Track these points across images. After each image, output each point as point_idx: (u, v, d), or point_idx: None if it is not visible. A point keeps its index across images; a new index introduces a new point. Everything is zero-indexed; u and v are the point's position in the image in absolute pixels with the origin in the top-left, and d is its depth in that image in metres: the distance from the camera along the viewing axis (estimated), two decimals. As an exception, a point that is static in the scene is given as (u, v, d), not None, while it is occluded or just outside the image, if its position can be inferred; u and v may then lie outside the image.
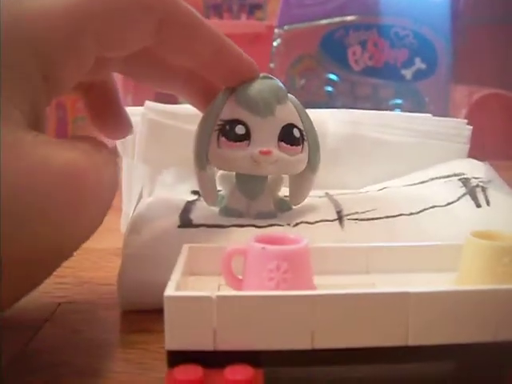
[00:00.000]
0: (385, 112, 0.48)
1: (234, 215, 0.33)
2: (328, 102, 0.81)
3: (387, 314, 0.21)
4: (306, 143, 0.33)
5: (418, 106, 0.80)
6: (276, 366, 0.21)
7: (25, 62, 0.24)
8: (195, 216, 0.33)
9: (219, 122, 0.32)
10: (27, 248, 0.23)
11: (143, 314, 0.30)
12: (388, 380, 0.22)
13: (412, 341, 0.21)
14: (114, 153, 0.29)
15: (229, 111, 0.32)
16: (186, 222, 0.33)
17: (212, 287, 0.26)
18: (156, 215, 0.33)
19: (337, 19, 0.81)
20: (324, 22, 0.81)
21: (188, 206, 0.34)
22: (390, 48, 0.81)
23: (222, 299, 0.21)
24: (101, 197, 0.26)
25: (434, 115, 0.47)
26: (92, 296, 0.34)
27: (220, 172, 0.34)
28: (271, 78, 0.32)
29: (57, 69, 0.25)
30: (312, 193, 0.36)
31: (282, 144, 0.32)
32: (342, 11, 0.81)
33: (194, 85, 0.34)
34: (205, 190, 0.33)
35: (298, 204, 0.35)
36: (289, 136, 0.32)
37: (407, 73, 0.81)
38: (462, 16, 0.78)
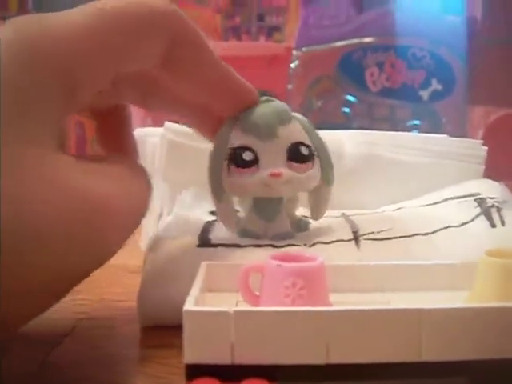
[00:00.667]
0: (401, 133, 0.49)
1: (252, 237, 0.34)
2: (345, 123, 0.82)
3: (401, 330, 0.21)
4: (316, 159, 0.33)
5: (435, 127, 0.80)
6: (291, 381, 0.21)
7: (49, 82, 0.24)
8: (214, 236, 0.34)
9: (228, 151, 0.32)
10: (51, 272, 0.23)
11: (161, 330, 0.30)
12: (401, 395, 0.22)
13: (425, 357, 0.22)
14: (149, 178, 0.29)
15: (235, 139, 0.32)
16: (204, 241, 0.33)
17: (230, 303, 0.27)
18: (176, 234, 0.34)
19: (354, 41, 0.82)
20: (342, 43, 0.82)
21: (207, 227, 0.35)
22: (407, 69, 0.81)
23: (240, 314, 0.21)
24: (130, 225, 0.27)
25: (452, 136, 0.47)
26: (111, 312, 0.34)
27: None
28: (273, 101, 0.33)
29: (77, 86, 0.25)
30: (329, 213, 0.37)
31: (292, 163, 0.32)
32: (359, 33, 0.82)
33: (201, 115, 0.34)
34: (224, 219, 0.34)
35: (319, 218, 0.35)
36: (297, 154, 0.32)
37: (424, 94, 0.81)
38: (478, 36, 0.78)
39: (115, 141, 0.34)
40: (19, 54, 0.23)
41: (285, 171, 0.32)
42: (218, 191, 0.33)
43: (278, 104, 0.33)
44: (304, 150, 0.33)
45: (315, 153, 0.33)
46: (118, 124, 0.34)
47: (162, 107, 0.35)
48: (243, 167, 0.32)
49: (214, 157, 0.33)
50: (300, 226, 0.35)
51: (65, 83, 0.24)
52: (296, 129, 0.33)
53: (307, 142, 0.33)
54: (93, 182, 0.24)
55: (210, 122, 0.34)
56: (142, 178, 0.29)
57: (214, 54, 0.30)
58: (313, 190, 0.34)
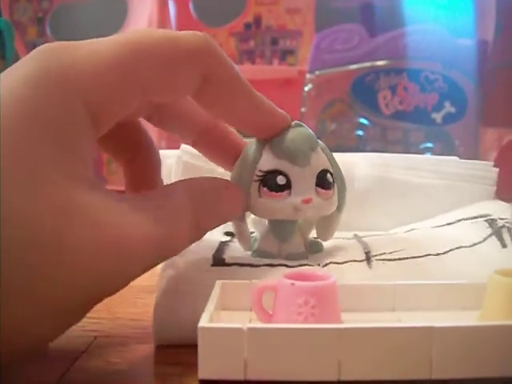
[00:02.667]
0: (412, 155, 0.49)
1: (266, 257, 0.34)
2: (359, 146, 0.82)
3: (412, 348, 0.22)
4: (335, 185, 0.34)
5: (448, 150, 0.80)
6: (303, 397, 0.22)
7: (81, 113, 0.24)
8: (228, 256, 0.34)
9: (259, 173, 0.33)
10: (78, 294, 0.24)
11: (176, 348, 0.31)
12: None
13: (435, 374, 0.22)
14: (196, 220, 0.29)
15: (267, 162, 0.33)
16: (218, 261, 0.34)
17: (243, 321, 0.27)
18: (190, 254, 0.34)
19: (367, 64, 0.83)
20: (354, 66, 0.83)
21: (221, 247, 0.35)
22: (420, 92, 0.82)
23: (253, 331, 0.22)
24: (155, 262, 0.27)
25: (465, 158, 0.48)
26: (126, 331, 0.34)
27: (252, 216, 0.35)
28: (302, 126, 0.33)
29: (101, 117, 0.25)
30: (341, 234, 0.37)
31: (319, 189, 0.33)
32: (372, 56, 0.83)
33: (215, 141, 0.35)
34: (243, 238, 0.35)
35: (328, 240, 0.36)
36: (324, 181, 0.33)
37: (437, 116, 0.82)
38: (490, 59, 0.79)
39: (145, 185, 0.34)
40: (53, 91, 0.24)
41: (314, 197, 0.33)
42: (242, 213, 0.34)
43: (307, 130, 0.34)
44: (329, 178, 0.33)
45: (336, 180, 0.34)
46: (147, 173, 0.34)
47: (178, 130, 0.35)
48: (276, 191, 0.33)
49: (241, 176, 0.33)
50: (313, 247, 0.36)
51: (90, 114, 0.25)
52: (322, 156, 0.34)
53: (330, 168, 0.34)
54: (120, 221, 0.24)
55: (222, 149, 0.35)
56: (187, 221, 0.28)
57: (246, 84, 0.30)
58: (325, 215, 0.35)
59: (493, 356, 0.22)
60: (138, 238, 0.24)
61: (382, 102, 0.83)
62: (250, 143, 0.34)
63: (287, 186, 0.33)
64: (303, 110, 0.84)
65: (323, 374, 0.22)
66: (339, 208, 0.35)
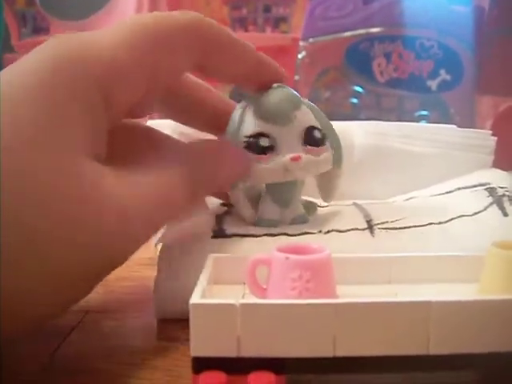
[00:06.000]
0: (410, 123, 0.49)
1: (270, 225, 0.34)
2: (353, 114, 0.81)
3: (409, 323, 0.21)
4: (327, 142, 0.34)
5: (443, 118, 0.80)
6: (298, 373, 0.21)
7: (88, 95, 0.25)
8: (228, 226, 0.34)
9: (244, 139, 0.33)
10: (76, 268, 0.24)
11: (170, 323, 0.30)
12: (409, 388, 0.22)
13: (433, 350, 0.21)
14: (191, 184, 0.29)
15: (250, 126, 0.33)
16: (218, 232, 0.33)
17: (236, 296, 0.27)
18: (189, 227, 0.34)
19: (361, 31, 0.82)
20: (349, 34, 0.82)
21: (219, 218, 0.35)
22: (415, 59, 0.81)
23: (246, 307, 0.21)
24: (153, 230, 0.28)
25: (460, 126, 0.47)
26: (119, 305, 0.34)
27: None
28: (284, 87, 0.33)
29: (114, 100, 0.26)
30: (339, 202, 0.37)
31: (307, 147, 0.33)
32: (366, 23, 0.81)
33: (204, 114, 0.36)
34: (242, 207, 0.34)
35: (330, 201, 0.36)
36: (312, 138, 0.33)
37: (432, 84, 0.81)
38: (486, 26, 0.78)
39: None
40: (60, 68, 0.24)
41: (303, 155, 0.32)
42: None
43: (289, 90, 0.33)
44: (317, 134, 0.33)
45: (326, 135, 0.34)
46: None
47: (175, 110, 0.36)
48: (261, 154, 0.32)
49: (233, 137, 0.33)
50: (309, 208, 0.36)
51: (103, 96, 0.26)
52: (307, 113, 0.33)
53: (318, 125, 0.33)
54: (122, 192, 0.25)
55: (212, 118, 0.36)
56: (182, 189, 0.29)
57: (242, 43, 0.31)
58: (324, 174, 0.35)
59: (491, 331, 0.22)
60: (133, 206, 0.25)
61: (377, 70, 0.82)
62: (235, 109, 0.34)
63: (272, 147, 0.32)
64: (297, 77, 0.83)
65: (318, 350, 0.21)
66: (337, 164, 0.35)
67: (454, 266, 0.29)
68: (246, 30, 0.92)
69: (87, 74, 0.25)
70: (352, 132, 0.45)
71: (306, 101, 0.34)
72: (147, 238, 0.28)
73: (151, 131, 0.35)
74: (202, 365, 0.21)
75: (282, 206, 0.34)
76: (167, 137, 0.35)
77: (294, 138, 0.33)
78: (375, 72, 0.82)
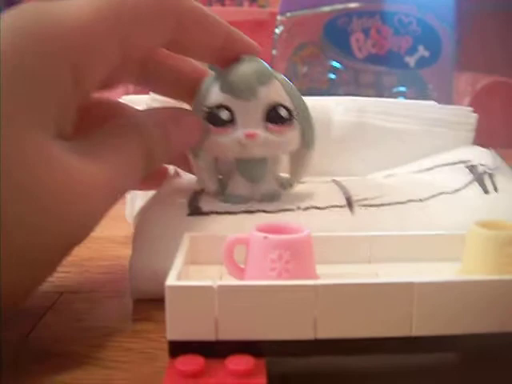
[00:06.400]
0: (390, 100, 0.48)
1: (239, 201, 0.33)
2: (331, 90, 0.81)
3: (390, 305, 0.21)
4: (296, 122, 0.33)
5: (421, 94, 0.80)
6: (278, 356, 0.21)
7: (56, 68, 0.24)
8: (204, 204, 0.33)
9: (205, 109, 0.32)
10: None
11: (146, 304, 0.30)
12: (391, 371, 0.22)
13: (416, 331, 0.21)
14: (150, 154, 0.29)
15: (213, 97, 0.32)
16: (195, 210, 0.33)
17: (214, 276, 0.26)
18: (164, 205, 0.33)
19: (340, 6, 0.81)
20: (327, 8, 0.81)
21: (195, 195, 0.34)
22: (394, 35, 0.80)
23: (224, 289, 0.21)
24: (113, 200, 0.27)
25: (438, 103, 0.47)
26: (94, 285, 0.34)
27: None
28: (254, 60, 0.32)
29: (86, 72, 0.26)
30: (318, 179, 0.37)
31: (269, 125, 0.32)
32: (345, -2, 0.81)
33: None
34: (203, 178, 0.34)
35: (298, 181, 0.35)
36: (275, 116, 0.32)
37: (411, 60, 0.80)
38: (466, 3, 0.78)
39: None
40: (28, 40, 0.24)
41: (261, 132, 0.32)
42: (194, 147, 0.33)
43: (259, 64, 0.32)
44: (283, 112, 0.32)
45: (296, 115, 0.33)
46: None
47: (151, 81, 0.35)
48: (220, 126, 0.32)
49: (194, 112, 0.33)
50: (283, 183, 0.35)
51: (73, 70, 0.25)
52: (276, 90, 0.32)
53: (287, 103, 0.32)
54: (82, 166, 0.25)
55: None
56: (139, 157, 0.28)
57: (213, 17, 0.30)
58: (294, 153, 0.34)
59: (474, 312, 0.21)
60: (90, 179, 0.25)
61: (355, 45, 0.81)
62: (205, 79, 0.33)
63: (231, 121, 0.32)
64: (274, 52, 0.82)
65: (299, 333, 0.21)
66: (307, 145, 0.34)
67: (434, 244, 0.28)
68: (223, 5, 0.91)
69: (57, 50, 0.24)
70: (330, 108, 0.45)
71: (281, 76, 0.33)
72: (106, 211, 0.27)
73: (123, 107, 0.34)
74: (178, 349, 0.21)
75: (252, 181, 0.33)
76: (134, 109, 0.34)
77: (256, 113, 0.32)
78: (353, 47, 0.81)
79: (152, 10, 0.28)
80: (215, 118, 0.32)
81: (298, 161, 0.34)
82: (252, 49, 0.33)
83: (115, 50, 0.27)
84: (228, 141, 0.32)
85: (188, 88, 0.34)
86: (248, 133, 0.31)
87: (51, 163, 0.23)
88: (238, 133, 0.32)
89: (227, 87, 0.32)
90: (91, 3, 0.26)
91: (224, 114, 0.32)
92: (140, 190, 0.37)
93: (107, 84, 0.31)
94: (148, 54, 0.31)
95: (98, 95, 0.32)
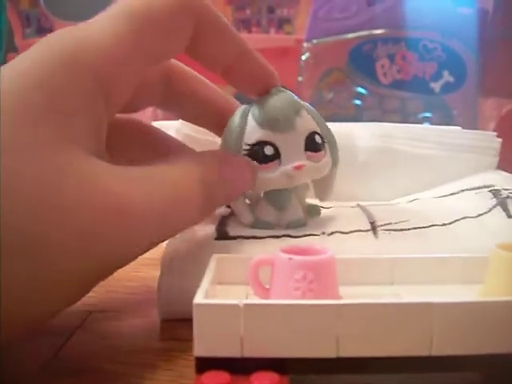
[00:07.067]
0: (415, 125, 0.49)
1: (266, 227, 0.34)
2: (356, 116, 0.81)
3: (411, 324, 0.21)
4: (326, 145, 0.34)
5: (446, 119, 0.80)
6: (301, 374, 0.21)
7: (87, 90, 0.25)
8: (231, 228, 0.34)
9: (245, 147, 0.32)
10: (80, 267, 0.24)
11: (173, 323, 0.30)
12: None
13: (435, 351, 0.21)
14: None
15: (252, 134, 0.32)
16: (222, 234, 0.33)
17: (240, 296, 0.27)
18: (193, 229, 0.34)
19: (365, 33, 0.82)
20: (352, 35, 0.82)
21: (223, 220, 0.35)
22: (419, 61, 0.81)
23: (249, 307, 0.21)
24: (156, 229, 0.27)
25: (463, 128, 0.47)
26: (121, 305, 0.34)
27: None
28: (283, 91, 0.33)
29: (113, 90, 0.26)
30: (343, 203, 0.37)
31: (309, 153, 0.32)
32: (370, 25, 0.81)
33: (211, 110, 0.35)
34: (242, 214, 0.34)
35: (327, 200, 0.36)
36: (313, 144, 0.33)
37: (436, 86, 0.81)
38: (490, 28, 0.78)
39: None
40: (57, 65, 0.24)
41: (306, 162, 0.32)
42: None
43: (290, 94, 0.33)
44: (318, 139, 0.33)
45: (325, 139, 0.34)
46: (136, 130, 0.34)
47: (176, 104, 0.35)
48: (266, 162, 0.32)
49: (227, 150, 0.33)
50: (311, 211, 0.35)
51: (102, 89, 0.25)
52: (308, 118, 0.33)
53: (318, 129, 0.33)
54: (123, 188, 0.24)
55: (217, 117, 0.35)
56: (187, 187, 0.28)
57: (233, 30, 0.31)
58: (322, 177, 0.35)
59: (494, 332, 0.22)
60: (139, 206, 0.25)
61: (380, 71, 0.82)
62: (234, 114, 0.33)
63: (276, 156, 0.32)
64: (300, 79, 0.83)
65: (321, 351, 0.21)
66: (334, 164, 0.35)
67: (457, 267, 0.28)
68: (250, 31, 0.92)
69: (85, 67, 0.25)
70: (356, 133, 0.46)
71: (306, 104, 0.34)
72: (155, 241, 0.27)
73: (155, 130, 0.34)
74: (205, 365, 0.21)
75: (278, 209, 0.34)
76: (171, 137, 0.34)
77: (297, 144, 0.32)
78: (378, 73, 0.82)
79: (174, 19, 0.28)
80: (260, 155, 0.32)
81: (326, 180, 0.35)
82: (267, 71, 0.32)
83: (141, 62, 0.27)
84: (276, 176, 0.32)
85: (215, 117, 0.35)
86: (297, 165, 0.32)
87: (91, 186, 0.23)
88: (286, 166, 0.32)
89: (267, 123, 0.32)
90: (111, 24, 0.26)
91: (269, 150, 0.32)
92: None
93: (134, 104, 0.31)
94: (168, 60, 0.31)
95: (129, 116, 0.33)
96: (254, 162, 0.32)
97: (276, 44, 0.87)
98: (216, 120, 0.35)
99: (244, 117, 0.33)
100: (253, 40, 0.87)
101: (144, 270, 0.40)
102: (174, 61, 0.34)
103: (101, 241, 0.23)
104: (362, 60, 0.82)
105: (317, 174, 0.34)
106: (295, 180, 0.32)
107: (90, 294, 0.35)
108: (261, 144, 0.32)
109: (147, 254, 0.35)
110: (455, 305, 0.22)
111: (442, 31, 0.80)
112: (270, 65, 0.33)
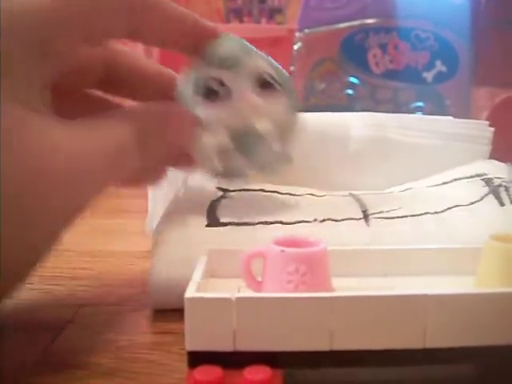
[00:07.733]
0: (407, 115, 0.48)
1: (237, 175, 0.34)
2: (348, 105, 0.81)
3: (405, 317, 0.21)
4: (280, 88, 0.34)
5: (439, 109, 0.80)
6: (294, 367, 0.21)
7: (27, 49, 0.24)
8: (221, 214, 0.34)
9: (194, 87, 0.32)
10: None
11: (165, 316, 0.30)
12: (406, 382, 0.22)
13: (429, 343, 0.21)
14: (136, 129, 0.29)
15: (201, 74, 0.32)
16: (213, 221, 0.33)
17: (232, 289, 0.26)
18: (183, 216, 0.34)
19: (357, 22, 0.81)
20: (344, 25, 0.81)
21: (214, 205, 0.35)
22: (411, 51, 0.80)
23: (242, 301, 0.21)
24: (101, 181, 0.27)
25: (456, 118, 0.47)
26: (113, 298, 0.34)
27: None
28: (235, 37, 0.33)
29: (54, 52, 0.26)
30: (336, 193, 0.37)
31: (260, 91, 0.33)
32: (362, 14, 0.81)
33: None
34: (208, 163, 0.34)
35: (291, 146, 0.35)
36: (263, 83, 0.33)
37: (428, 75, 0.80)
38: (482, 18, 0.78)
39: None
40: None
41: (257, 99, 0.33)
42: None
43: (240, 38, 0.33)
44: (269, 79, 0.33)
45: (280, 83, 0.34)
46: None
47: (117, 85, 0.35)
48: (214, 101, 0.32)
49: (185, 95, 0.33)
50: (281, 158, 0.35)
51: (42, 50, 0.25)
52: (258, 59, 0.33)
53: (272, 73, 0.33)
54: (70, 147, 0.25)
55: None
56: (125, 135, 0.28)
57: (176, 5, 0.30)
58: (283, 123, 0.34)
59: (487, 324, 0.22)
60: (85, 163, 0.25)
61: (372, 61, 0.81)
62: (180, 75, 0.33)
63: (225, 94, 0.32)
64: (292, 68, 0.82)
65: (314, 344, 0.21)
66: (291, 110, 0.34)
67: (450, 258, 0.28)
68: (241, 21, 0.92)
69: (24, 26, 0.24)
70: (348, 123, 0.45)
71: (259, 51, 0.34)
72: (91, 198, 0.27)
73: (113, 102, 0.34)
74: (197, 359, 0.21)
75: (248, 155, 0.34)
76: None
77: (246, 82, 0.33)
78: (371, 63, 0.81)
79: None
80: (211, 92, 0.32)
81: (286, 126, 0.35)
82: (216, 32, 0.33)
83: (76, 31, 0.27)
84: (228, 111, 0.32)
85: (155, 90, 0.34)
86: (245, 99, 0.32)
87: (39, 140, 0.23)
88: (236, 102, 0.32)
89: (217, 61, 0.32)
90: None
91: (216, 86, 0.32)
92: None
93: (71, 84, 0.31)
94: (109, 39, 0.31)
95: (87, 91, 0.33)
96: (206, 99, 0.32)
97: (267, 34, 0.87)
98: (160, 91, 0.34)
99: (189, 72, 0.33)
100: (244, 30, 0.87)
101: (136, 263, 0.39)
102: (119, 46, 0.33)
103: (46, 196, 0.24)
104: (353, 50, 0.82)
105: (272, 115, 0.33)
106: (248, 118, 0.33)
107: (81, 287, 0.35)
108: (212, 81, 0.32)
109: (139, 247, 0.35)
110: (449, 296, 0.21)
111: (435, 21, 0.79)
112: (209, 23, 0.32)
